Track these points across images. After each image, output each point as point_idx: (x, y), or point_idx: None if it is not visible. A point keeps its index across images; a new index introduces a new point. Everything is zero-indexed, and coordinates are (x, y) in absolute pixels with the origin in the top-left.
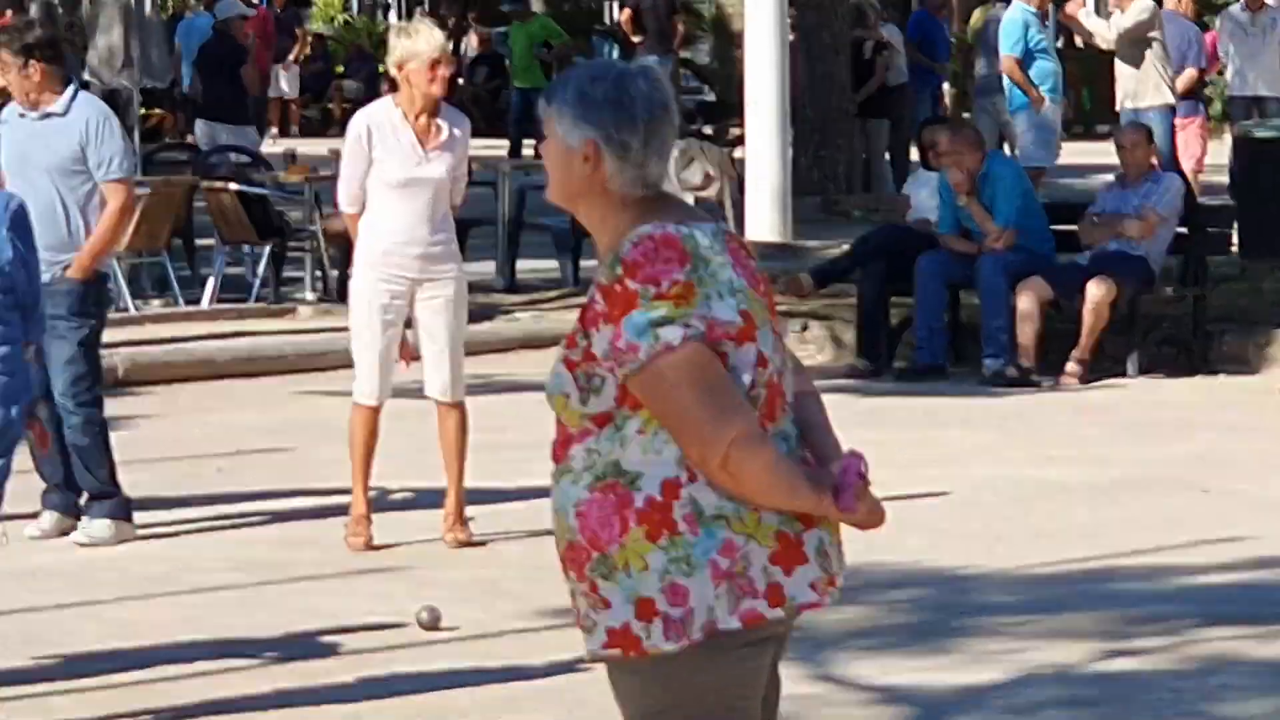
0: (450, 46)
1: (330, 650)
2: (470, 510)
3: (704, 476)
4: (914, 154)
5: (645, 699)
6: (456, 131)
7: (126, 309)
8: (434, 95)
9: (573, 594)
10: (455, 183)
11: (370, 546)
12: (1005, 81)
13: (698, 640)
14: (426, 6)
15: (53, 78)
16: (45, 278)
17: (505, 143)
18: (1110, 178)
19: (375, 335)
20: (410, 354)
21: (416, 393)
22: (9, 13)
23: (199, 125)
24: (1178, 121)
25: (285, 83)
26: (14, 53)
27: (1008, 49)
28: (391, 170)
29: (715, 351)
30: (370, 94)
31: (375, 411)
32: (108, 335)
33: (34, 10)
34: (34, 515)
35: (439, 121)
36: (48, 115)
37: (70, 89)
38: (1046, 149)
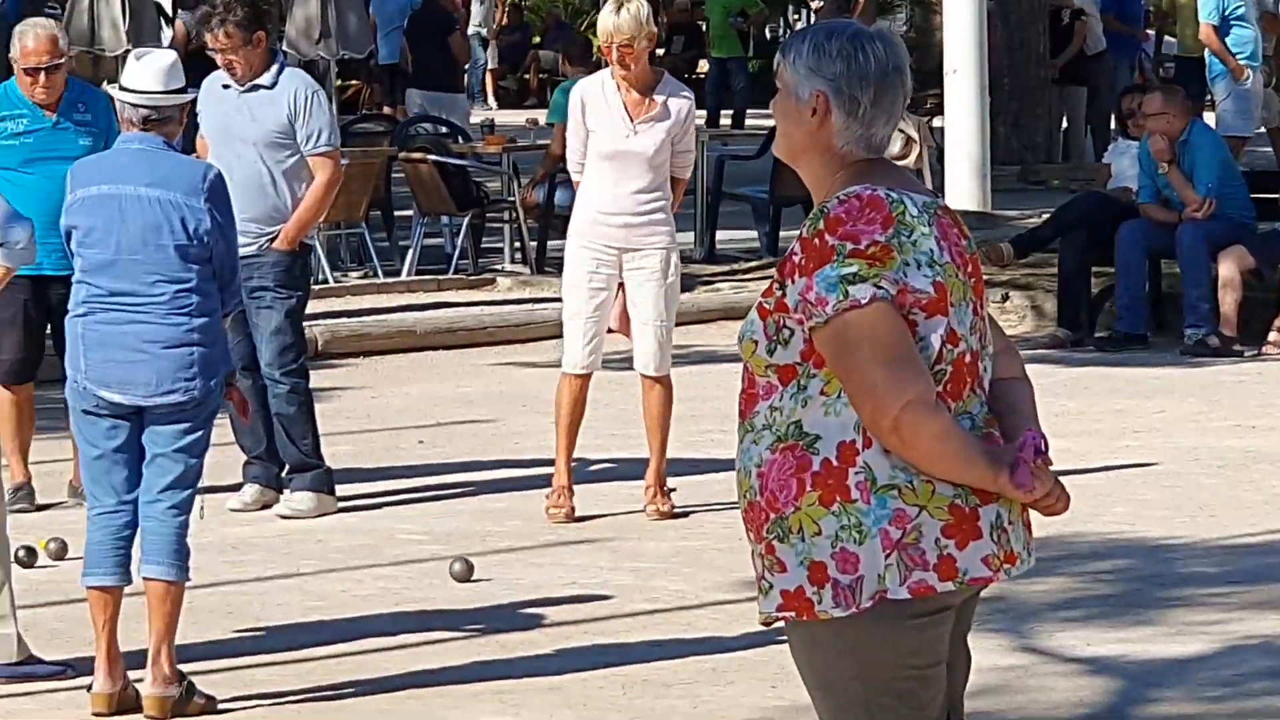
0: (648, 23)
1: (532, 622)
2: (672, 481)
3: (877, 441)
4: (1113, 123)
5: (821, 665)
6: (672, 105)
7: (326, 280)
8: (620, 74)
9: (753, 554)
10: (678, 155)
11: (571, 518)
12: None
13: (866, 608)
14: None
15: (267, 50)
16: (252, 249)
17: (702, 113)
18: None
19: (582, 303)
20: (625, 325)
21: (618, 363)
22: None
23: (410, 94)
24: None
25: (484, 53)
26: (240, 26)
27: (1205, 16)
28: (601, 141)
29: (904, 318)
30: None
31: (582, 381)
32: (307, 307)
33: None
34: (235, 488)
35: (653, 95)
36: (255, 88)
37: (277, 62)
38: (1246, 118)
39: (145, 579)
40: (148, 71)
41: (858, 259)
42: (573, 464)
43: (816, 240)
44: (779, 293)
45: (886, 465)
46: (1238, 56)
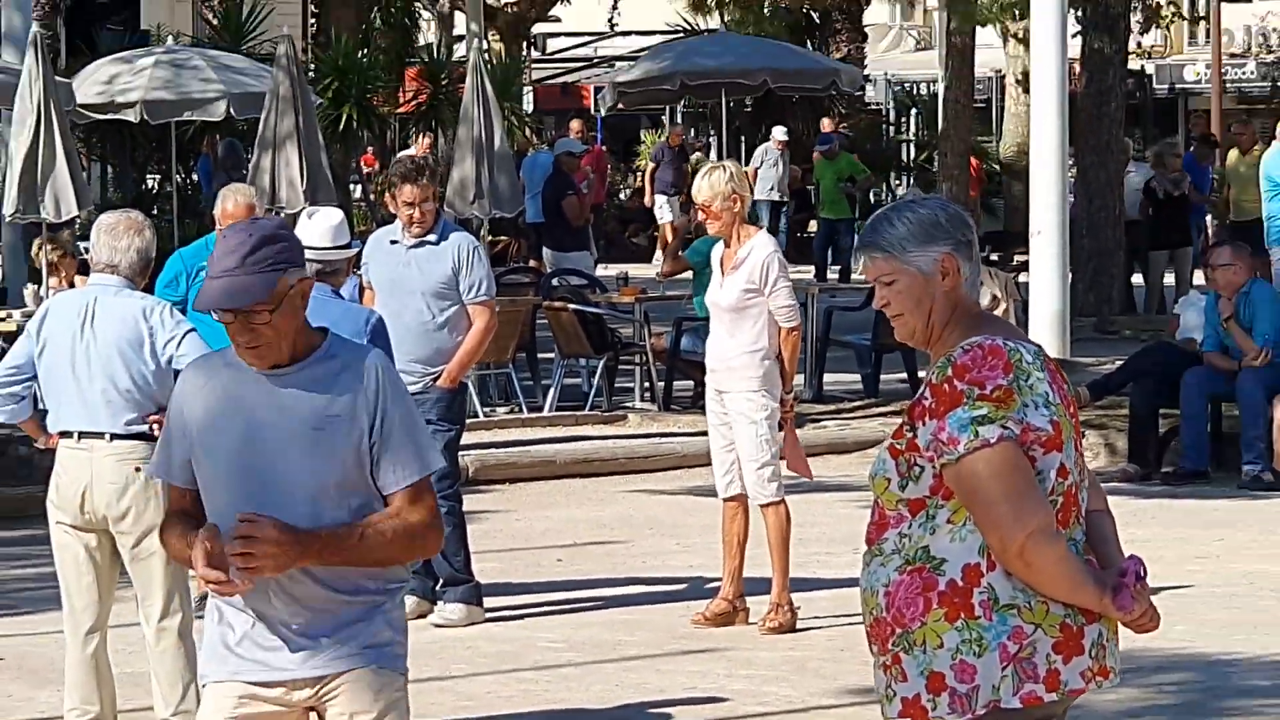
0: (729, 185)
1: None
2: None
3: (1002, 565)
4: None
5: None
6: (750, 259)
7: (476, 415)
8: (712, 231)
9: (876, 667)
10: (774, 307)
11: (720, 623)
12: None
13: (980, 715)
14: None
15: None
16: (418, 387)
17: (811, 269)
18: None
19: (711, 435)
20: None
21: None
22: (370, 150)
23: (545, 251)
24: None
25: (655, 210)
26: (433, 180)
27: (1267, 188)
28: (708, 291)
29: (1026, 454)
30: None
31: (728, 505)
32: (462, 438)
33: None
34: None
35: (738, 252)
36: (422, 243)
37: (441, 219)
38: None
39: None
40: (319, 229)
41: (985, 402)
42: (740, 579)
43: (946, 386)
44: (909, 434)
45: (1008, 586)
46: None
